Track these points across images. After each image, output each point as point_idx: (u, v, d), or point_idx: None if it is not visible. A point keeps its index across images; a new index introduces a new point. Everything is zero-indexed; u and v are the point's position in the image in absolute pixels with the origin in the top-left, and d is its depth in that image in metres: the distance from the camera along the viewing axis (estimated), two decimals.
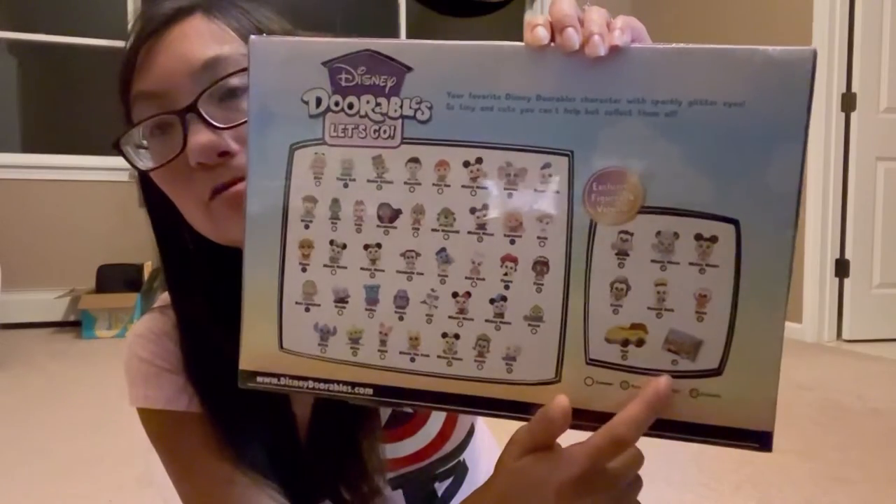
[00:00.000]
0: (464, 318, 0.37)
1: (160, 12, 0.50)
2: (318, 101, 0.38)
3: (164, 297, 0.59)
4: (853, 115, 3.09)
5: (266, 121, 0.38)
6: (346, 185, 0.38)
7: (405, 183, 0.37)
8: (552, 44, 0.35)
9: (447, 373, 0.38)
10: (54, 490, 1.50)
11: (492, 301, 0.37)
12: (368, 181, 0.38)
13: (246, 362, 0.40)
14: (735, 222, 0.34)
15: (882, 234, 3.15)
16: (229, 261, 0.50)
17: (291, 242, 0.39)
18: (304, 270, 0.39)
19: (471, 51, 0.36)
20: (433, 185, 0.37)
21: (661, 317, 0.36)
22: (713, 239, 0.35)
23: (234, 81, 0.48)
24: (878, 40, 3.08)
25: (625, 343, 0.36)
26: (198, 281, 0.56)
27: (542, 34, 0.35)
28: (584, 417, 0.37)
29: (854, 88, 3.09)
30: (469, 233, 0.37)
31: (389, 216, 0.38)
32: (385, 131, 0.37)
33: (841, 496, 1.47)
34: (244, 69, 0.46)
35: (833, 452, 1.73)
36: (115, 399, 2.23)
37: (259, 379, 0.40)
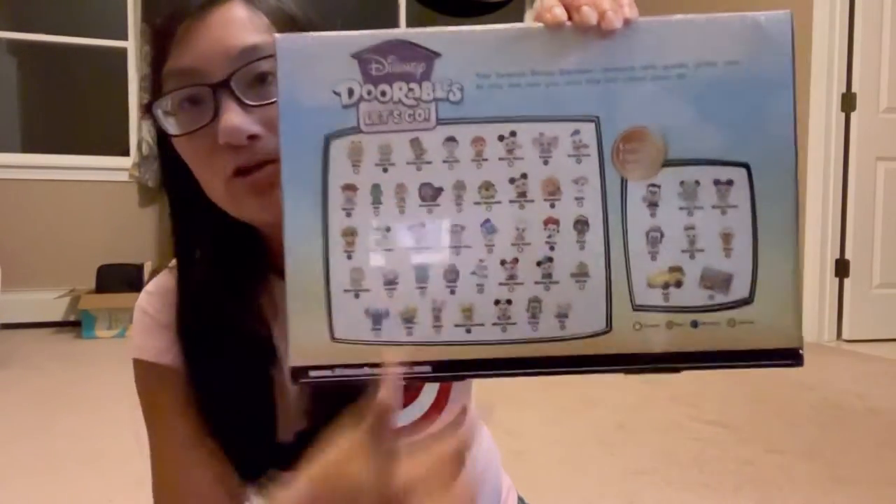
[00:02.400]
0: (514, 284, 0.39)
1: None
2: (351, 92, 0.39)
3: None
4: (853, 115, 3.09)
5: (298, 114, 0.39)
6: (385, 170, 0.39)
7: (444, 161, 0.39)
8: (569, 22, 0.38)
9: (503, 338, 0.39)
10: (54, 490, 1.50)
11: (539, 263, 0.39)
12: (408, 163, 0.39)
13: (297, 358, 0.40)
14: (746, 165, 0.39)
15: (882, 234, 3.15)
16: (237, 227, 0.54)
17: (334, 232, 0.39)
18: (349, 258, 0.39)
19: (494, 34, 0.39)
20: (471, 160, 0.39)
21: (693, 258, 0.39)
22: (729, 182, 0.39)
23: (265, 67, 0.49)
24: (878, 40, 3.08)
25: (665, 286, 0.39)
26: (203, 241, 0.58)
27: (561, 13, 0.38)
28: (637, 361, 0.40)
29: (854, 88, 3.09)
30: (511, 202, 0.39)
31: (431, 195, 0.39)
32: (420, 115, 0.39)
33: (841, 496, 1.47)
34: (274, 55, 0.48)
35: (833, 452, 1.73)
36: (115, 399, 2.23)
37: (312, 374, 0.40)
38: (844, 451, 1.74)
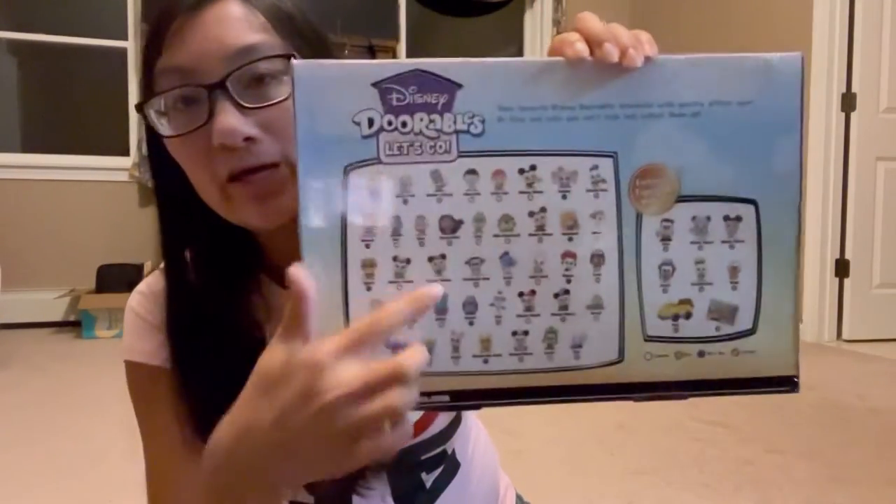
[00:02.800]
0: (531, 315, 0.40)
1: None
2: (371, 122, 0.38)
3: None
4: (853, 115, 3.09)
5: (316, 144, 0.38)
6: (405, 202, 0.39)
7: (465, 194, 0.39)
8: (590, 57, 0.39)
9: (519, 368, 0.40)
10: (54, 490, 1.50)
11: (556, 295, 0.40)
12: (428, 195, 0.39)
13: None
14: (754, 202, 0.40)
15: (882, 234, 3.15)
16: (228, 229, 0.53)
17: (353, 263, 0.39)
18: (368, 289, 0.39)
19: (516, 67, 0.39)
20: (491, 193, 0.39)
21: (702, 290, 0.41)
22: (738, 218, 0.40)
23: (263, 68, 0.48)
24: (878, 40, 3.08)
25: (675, 317, 0.41)
26: (193, 242, 0.57)
27: (583, 49, 0.38)
28: (646, 389, 0.41)
29: (854, 88, 3.09)
30: (529, 235, 0.39)
31: (451, 227, 0.39)
32: (441, 146, 0.39)
33: (841, 496, 1.47)
34: (274, 56, 0.49)
35: (833, 452, 1.73)
36: (115, 399, 2.23)
37: None
38: (844, 451, 1.74)
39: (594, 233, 0.40)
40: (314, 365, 0.35)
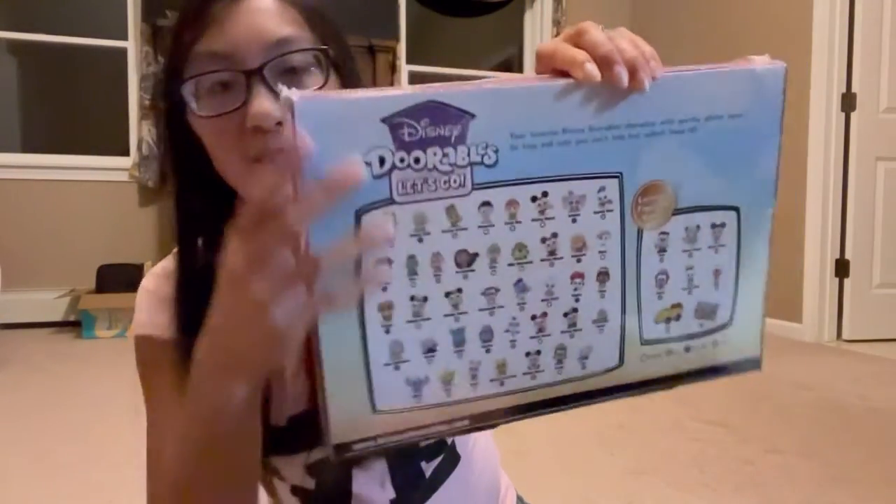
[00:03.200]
0: (543, 336, 0.41)
1: None
2: (382, 161, 0.35)
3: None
4: (853, 115, 3.09)
5: None
6: (420, 241, 0.37)
7: (479, 227, 0.38)
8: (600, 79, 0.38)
9: (532, 385, 0.42)
10: (54, 490, 1.50)
11: (565, 314, 0.41)
12: (443, 232, 0.37)
13: (338, 436, 0.39)
14: (736, 209, 0.42)
15: (882, 234, 3.15)
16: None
17: (371, 308, 0.38)
18: (387, 332, 0.38)
19: (527, 92, 0.38)
20: (505, 223, 0.38)
21: (691, 293, 0.43)
22: (722, 225, 0.42)
23: (296, 59, 0.51)
24: (878, 40, 3.08)
25: (667, 320, 0.43)
26: (207, 223, 0.58)
27: (594, 71, 0.38)
28: (639, 386, 0.44)
29: (854, 88, 3.09)
30: (542, 260, 0.40)
31: (467, 261, 0.38)
32: (455, 181, 0.37)
33: (841, 496, 1.47)
34: (308, 49, 0.52)
35: (833, 452, 1.73)
36: (115, 399, 2.23)
37: (355, 447, 0.40)
38: (844, 451, 1.74)
39: (601, 252, 0.40)
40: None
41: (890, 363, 2.74)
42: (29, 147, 3.71)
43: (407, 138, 0.36)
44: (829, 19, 3.07)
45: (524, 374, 0.41)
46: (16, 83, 3.79)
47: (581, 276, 0.40)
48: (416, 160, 0.36)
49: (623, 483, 1.53)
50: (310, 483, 0.61)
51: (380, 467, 0.61)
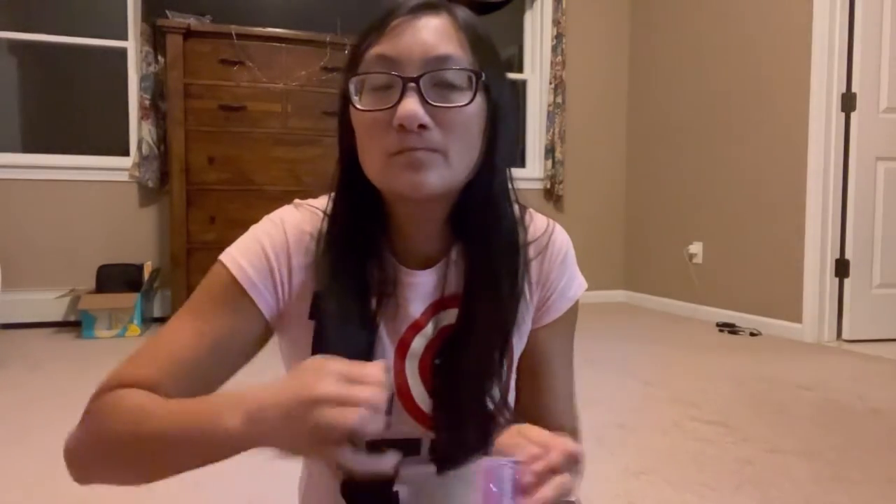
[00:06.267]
0: None
1: (417, 2, 0.61)
2: None
3: (321, 202, 0.68)
4: (853, 115, 3.10)
5: None
6: None
7: None
8: None
9: None
10: (54, 489, 1.50)
11: None
12: None
13: None
14: None
15: (882, 234, 3.15)
16: (374, 205, 0.65)
17: None
18: None
19: None
20: None
21: None
22: None
23: (450, 76, 0.59)
24: (878, 40, 3.08)
25: None
26: (352, 204, 0.65)
27: None
28: None
29: (854, 88, 3.09)
30: None
31: None
32: None
33: (841, 496, 1.47)
34: (462, 69, 0.59)
35: (833, 452, 1.73)
36: None
37: None
38: (845, 451, 1.74)
39: None
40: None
41: (890, 363, 2.74)
42: (29, 147, 3.70)
43: None
44: (829, 19, 3.08)
45: None
46: (16, 83, 3.79)
47: None
48: None
49: (623, 483, 1.53)
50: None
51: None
